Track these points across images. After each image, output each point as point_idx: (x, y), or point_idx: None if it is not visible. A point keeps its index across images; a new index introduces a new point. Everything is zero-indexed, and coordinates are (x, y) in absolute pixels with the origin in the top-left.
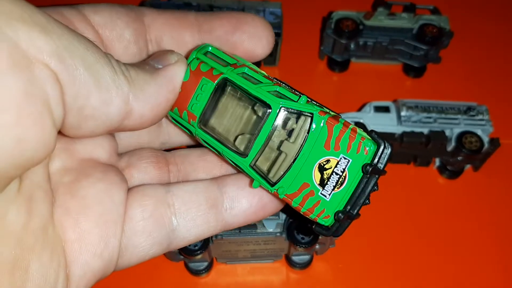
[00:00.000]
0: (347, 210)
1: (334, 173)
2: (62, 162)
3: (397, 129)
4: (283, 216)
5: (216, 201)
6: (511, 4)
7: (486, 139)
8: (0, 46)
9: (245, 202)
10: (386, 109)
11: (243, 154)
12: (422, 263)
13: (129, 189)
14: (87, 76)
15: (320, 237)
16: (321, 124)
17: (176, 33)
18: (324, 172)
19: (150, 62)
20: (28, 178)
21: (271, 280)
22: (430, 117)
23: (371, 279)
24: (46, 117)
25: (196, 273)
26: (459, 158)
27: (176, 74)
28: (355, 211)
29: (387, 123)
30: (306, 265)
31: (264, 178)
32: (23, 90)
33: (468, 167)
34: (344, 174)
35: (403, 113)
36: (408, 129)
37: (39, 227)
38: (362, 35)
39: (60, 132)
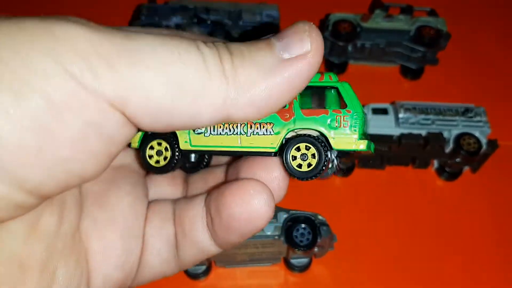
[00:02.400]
0: None
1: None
2: None
3: (395, 131)
4: (281, 219)
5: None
6: (508, 5)
7: (484, 141)
8: (64, 83)
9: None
10: (384, 111)
11: None
12: (421, 264)
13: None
14: (164, 93)
15: (319, 241)
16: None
17: None
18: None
19: (277, 45)
20: None
21: (270, 283)
22: (428, 119)
23: (370, 282)
24: (102, 154)
25: (194, 276)
26: (457, 159)
27: (304, 71)
28: None
29: (385, 125)
30: (304, 268)
31: None
32: (79, 131)
33: (466, 168)
34: None
35: (401, 115)
36: (406, 131)
37: (68, 233)
38: (359, 37)
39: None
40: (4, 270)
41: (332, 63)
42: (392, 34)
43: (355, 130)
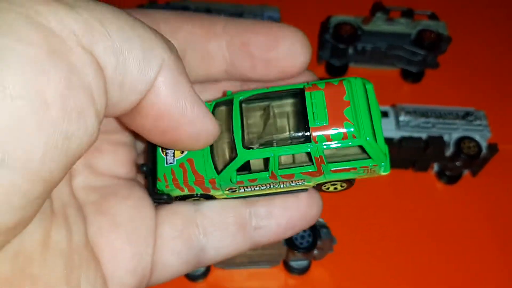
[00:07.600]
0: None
1: None
2: (84, 179)
3: (396, 134)
4: None
5: (244, 222)
6: (508, 9)
7: (484, 144)
8: (34, 34)
9: (273, 223)
10: (384, 114)
11: None
12: (420, 267)
13: (158, 206)
14: (124, 39)
15: (319, 243)
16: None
17: (201, 45)
18: None
19: None
20: (57, 197)
21: (269, 285)
22: (428, 122)
23: (370, 284)
24: (90, 108)
25: (193, 278)
26: (458, 163)
27: (208, 121)
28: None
29: (385, 128)
30: (304, 270)
31: None
32: (65, 81)
33: (466, 172)
34: None
35: (401, 118)
36: (406, 134)
37: (80, 244)
38: (360, 40)
39: None
40: None
41: (333, 65)
42: (393, 37)
43: (385, 171)
